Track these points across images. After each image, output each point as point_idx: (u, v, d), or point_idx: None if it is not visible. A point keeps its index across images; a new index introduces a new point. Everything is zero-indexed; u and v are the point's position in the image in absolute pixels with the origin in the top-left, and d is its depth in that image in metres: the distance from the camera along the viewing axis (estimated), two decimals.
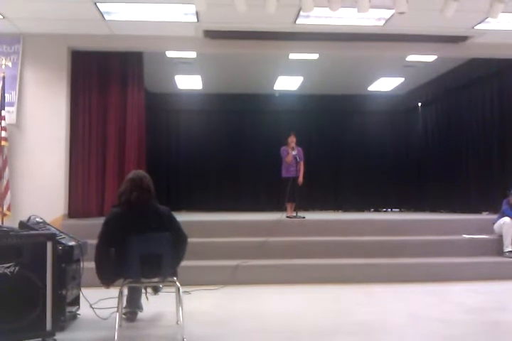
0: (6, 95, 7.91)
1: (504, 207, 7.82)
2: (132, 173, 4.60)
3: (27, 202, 7.79)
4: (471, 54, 9.28)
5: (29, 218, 4.66)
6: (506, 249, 7.46)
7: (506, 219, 7.63)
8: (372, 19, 7.72)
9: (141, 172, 4.62)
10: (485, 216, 9.33)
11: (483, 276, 6.90)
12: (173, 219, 4.53)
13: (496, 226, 7.78)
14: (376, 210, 13.41)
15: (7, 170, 7.75)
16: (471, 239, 7.78)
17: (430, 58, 9.97)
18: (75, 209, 8.27)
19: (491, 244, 7.70)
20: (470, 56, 9.61)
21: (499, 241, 7.62)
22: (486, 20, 7.60)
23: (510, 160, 9.42)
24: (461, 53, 9.15)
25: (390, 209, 13.50)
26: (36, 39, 8.22)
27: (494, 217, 8.06)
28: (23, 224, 4.51)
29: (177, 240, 4.39)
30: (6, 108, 7.84)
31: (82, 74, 8.56)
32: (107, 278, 4.30)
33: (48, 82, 8.25)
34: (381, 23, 7.84)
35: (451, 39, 8.57)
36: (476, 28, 8.03)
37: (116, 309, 4.28)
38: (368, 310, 5.26)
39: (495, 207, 8.50)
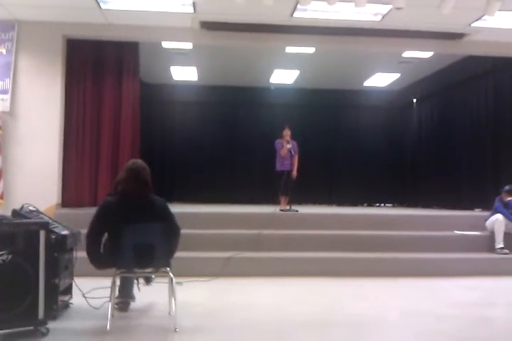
0: (0, 83, 7.86)
1: (497, 204, 7.85)
2: (132, 163, 4.54)
3: (20, 191, 7.75)
4: (467, 51, 9.30)
5: (22, 206, 4.63)
6: (498, 246, 7.50)
7: (498, 216, 7.67)
8: (369, 14, 7.70)
9: (141, 163, 4.55)
10: (477, 212, 9.39)
11: (475, 272, 6.92)
12: (168, 211, 4.52)
13: (488, 223, 7.81)
14: (369, 205, 13.46)
15: (0, 158, 7.70)
16: (463, 235, 7.83)
17: (426, 55, 9.99)
18: (68, 199, 8.24)
19: (483, 240, 7.75)
20: (466, 53, 9.62)
21: (491, 237, 7.66)
22: (483, 17, 7.61)
23: (504, 157, 9.48)
24: (457, 50, 9.16)
25: (383, 204, 13.55)
26: (31, 26, 8.13)
27: (486, 213, 8.10)
28: (16, 213, 4.48)
29: (170, 232, 4.39)
30: (0, 96, 7.80)
31: (76, 63, 8.50)
32: (97, 263, 4.33)
33: (43, 70, 8.19)
34: (378, 18, 7.82)
35: (447, 36, 8.57)
36: (472, 25, 8.04)
37: (108, 299, 4.28)
38: (358, 304, 5.28)
39: (487, 204, 8.55)
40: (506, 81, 9.66)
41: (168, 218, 4.47)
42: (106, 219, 4.31)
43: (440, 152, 11.59)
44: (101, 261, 4.32)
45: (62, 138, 8.29)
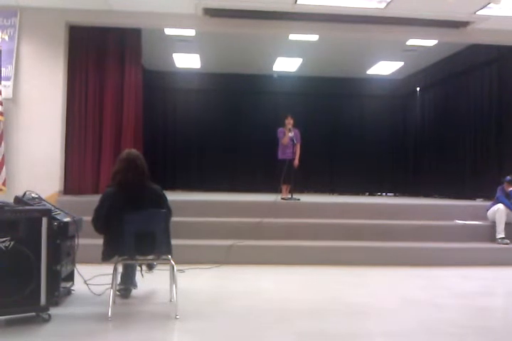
0: (3, 69, 7.79)
1: (499, 194, 7.84)
2: (126, 153, 4.60)
3: (22, 178, 7.78)
4: (471, 40, 9.24)
5: (24, 193, 4.64)
6: (499, 236, 7.51)
7: (500, 206, 7.66)
8: (373, 1, 7.65)
9: (135, 152, 4.62)
10: (479, 202, 9.37)
11: (475, 262, 6.94)
12: (165, 198, 4.60)
13: (490, 212, 7.81)
14: (371, 194, 13.46)
15: (3, 145, 7.68)
16: (464, 224, 7.83)
17: (430, 43, 9.92)
18: (71, 186, 8.27)
19: (484, 230, 7.75)
20: (470, 42, 9.56)
21: (492, 227, 7.66)
22: (488, 5, 7.54)
23: (506, 147, 9.44)
24: (461, 39, 9.10)
25: (384, 194, 13.55)
26: (33, 13, 8.10)
27: (488, 203, 8.10)
28: (18, 200, 4.49)
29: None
30: (3, 82, 7.75)
31: (79, 50, 8.47)
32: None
33: (45, 56, 8.17)
34: (382, 5, 7.76)
35: (452, 24, 8.51)
36: (477, 13, 7.97)
37: (110, 285, 4.30)
38: (358, 292, 5.31)
39: (489, 194, 8.54)
40: (511, 70, 9.59)
41: (165, 206, 4.53)
42: (108, 210, 4.34)
43: (443, 141, 11.55)
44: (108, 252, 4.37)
45: (64, 125, 8.28)
